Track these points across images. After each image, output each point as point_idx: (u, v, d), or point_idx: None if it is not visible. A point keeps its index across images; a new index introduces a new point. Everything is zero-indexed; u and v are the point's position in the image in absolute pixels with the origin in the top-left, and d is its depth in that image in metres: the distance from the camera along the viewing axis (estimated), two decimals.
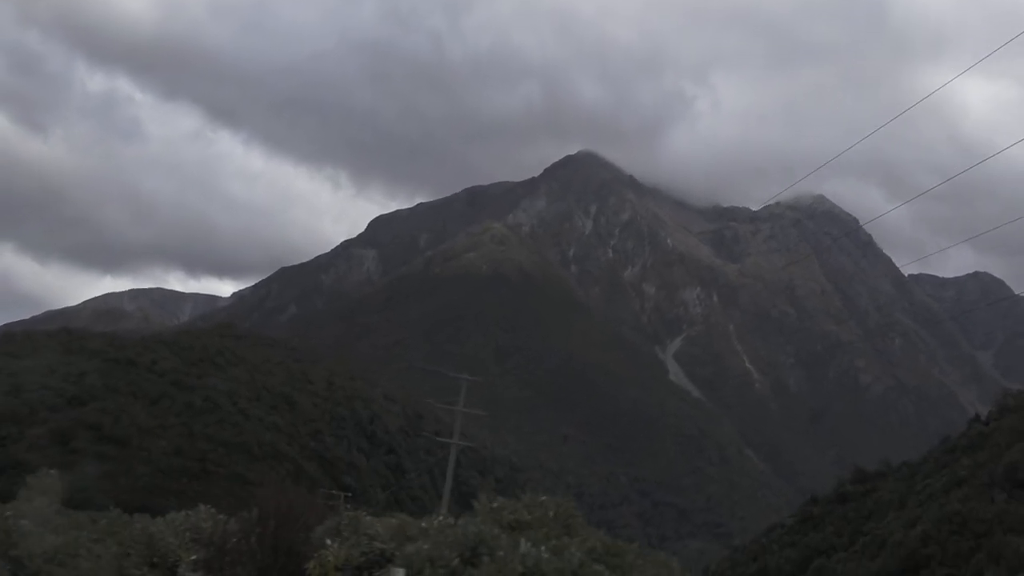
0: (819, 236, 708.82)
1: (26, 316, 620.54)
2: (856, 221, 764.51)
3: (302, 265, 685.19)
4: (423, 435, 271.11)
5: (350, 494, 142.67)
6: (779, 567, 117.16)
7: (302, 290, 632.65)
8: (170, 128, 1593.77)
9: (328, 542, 31.15)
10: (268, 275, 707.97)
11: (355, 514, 33.11)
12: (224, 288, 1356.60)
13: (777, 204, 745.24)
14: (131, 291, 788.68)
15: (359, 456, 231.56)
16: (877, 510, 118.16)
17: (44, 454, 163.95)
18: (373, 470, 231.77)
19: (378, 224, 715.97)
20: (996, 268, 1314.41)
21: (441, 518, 29.56)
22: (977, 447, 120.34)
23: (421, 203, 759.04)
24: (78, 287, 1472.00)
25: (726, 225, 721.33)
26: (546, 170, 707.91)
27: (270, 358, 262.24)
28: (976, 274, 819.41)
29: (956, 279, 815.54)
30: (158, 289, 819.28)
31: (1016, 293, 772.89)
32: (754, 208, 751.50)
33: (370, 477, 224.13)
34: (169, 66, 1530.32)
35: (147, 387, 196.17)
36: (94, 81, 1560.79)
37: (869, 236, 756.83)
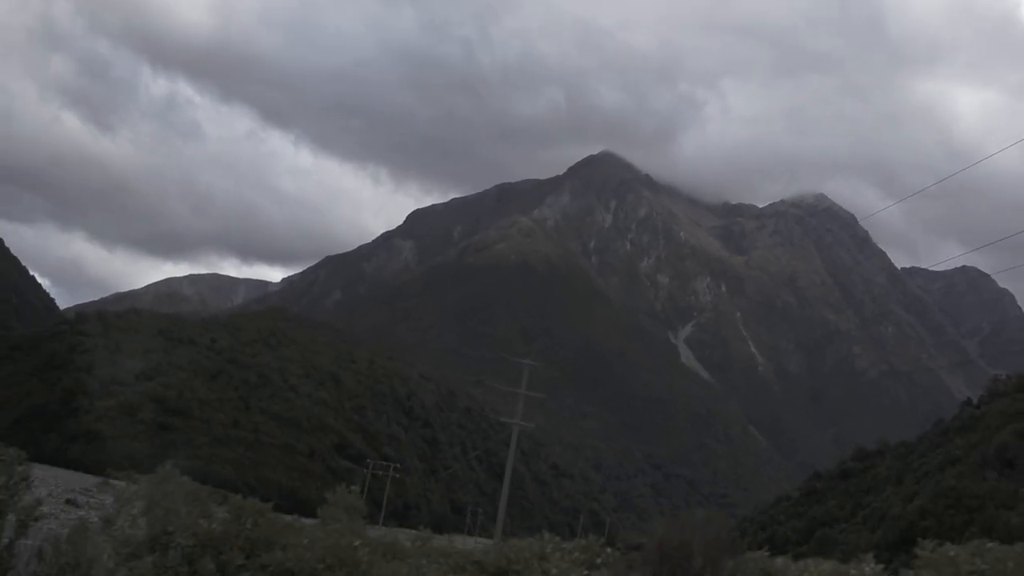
0: (820, 232, 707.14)
1: (95, 298, 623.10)
2: (854, 218, 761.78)
3: (346, 254, 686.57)
4: (490, 416, 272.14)
5: (398, 465, 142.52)
6: (786, 536, 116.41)
7: (346, 277, 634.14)
8: (226, 128, 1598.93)
9: None
10: (315, 263, 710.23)
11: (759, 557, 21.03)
12: (274, 274, 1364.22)
13: (782, 202, 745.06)
14: (189, 276, 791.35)
15: (398, 429, 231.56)
16: (876, 485, 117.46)
17: (113, 425, 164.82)
18: (411, 442, 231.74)
19: (415, 217, 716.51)
20: (982, 263, 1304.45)
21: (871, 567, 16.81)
22: (969, 428, 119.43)
23: (455, 198, 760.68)
24: (141, 272, 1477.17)
25: (734, 221, 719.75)
26: (569, 169, 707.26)
27: (317, 339, 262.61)
28: (964, 268, 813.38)
29: (945, 272, 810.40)
30: (214, 275, 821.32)
31: (1001, 285, 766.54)
32: (760, 205, 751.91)
33: (408, 448, 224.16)
34: (225, 71, 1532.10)
35: (206, 364, 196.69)
36: (157, 85, 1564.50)
37: (866, 232, 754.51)
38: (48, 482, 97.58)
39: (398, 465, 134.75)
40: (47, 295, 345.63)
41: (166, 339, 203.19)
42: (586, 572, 9.32)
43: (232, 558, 8.59)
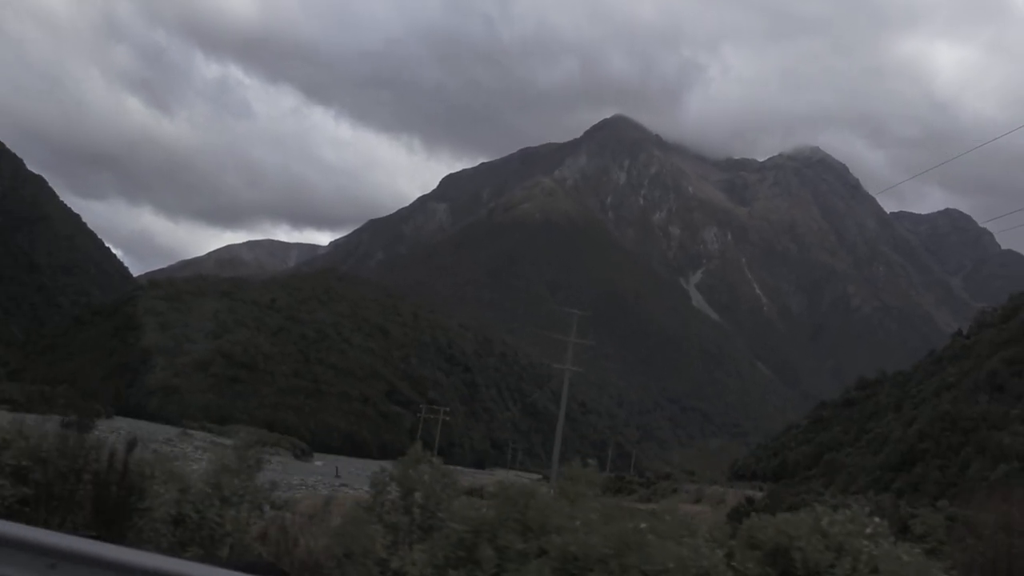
0: (815, 182, 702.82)
1: (163, 265, 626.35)
2: (845, 168, 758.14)
3: (386, 217, 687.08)
4: (544, 364, 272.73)
5: (448, 409, 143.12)
6: (796, 461, 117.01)
7: (387, 238, 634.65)
8: (273, 107, 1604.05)
9: None
10: (358, 226, 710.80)
11: None
12: (322, 238, 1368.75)
13: (780, 155, 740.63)
14: (247, 242, 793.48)
15: (440, 375, 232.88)
16: (877, 412, 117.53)
17: (187, 379, 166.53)
18: (452, 386, 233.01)
19: (448, 182, 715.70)
20: (964, 205, 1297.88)
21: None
22: (960, 357, 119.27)
23: (483, 163, 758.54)
24: (203, 240, 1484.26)
25: (737, 175, 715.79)
26: (586, 132, 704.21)
27: (365, 296, 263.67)
28: (947, 210, 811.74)
29: (930, 215, 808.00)
30: (269, 240, 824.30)
31: (981, 225, 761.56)
32: (760, 159, 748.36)
33: (450, 392, 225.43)
34: (270, 55, 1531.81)
35: (268, 321, 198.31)
36: (210, 69, 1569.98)
37: (857, 180, 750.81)
38: (133, 432, 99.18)
39: (447, 409, 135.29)
40: (121, 264, 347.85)
41: (231, 300, 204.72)
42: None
43: (511, 542, 8.17)
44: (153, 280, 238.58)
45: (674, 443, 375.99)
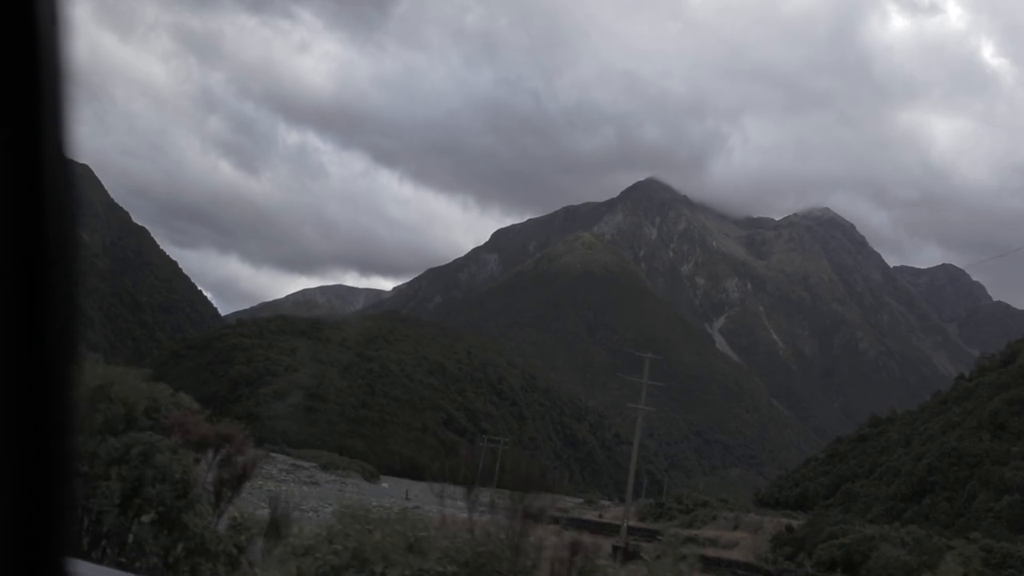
0: (826, 238, 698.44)
1: (247, 307, 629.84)
2: (853, 227, 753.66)
3: (444, 266, 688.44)
4: (563, 396, 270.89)
5: (507, 439, 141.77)
6: (815, 491, 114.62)
7: (444, 284, 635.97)
8: (346, 169, 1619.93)
9: None
10: (419, 274, 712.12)
11: None
12: (386, 284, 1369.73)
13: (794, 215, 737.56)
14: (320, 287, 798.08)
15: (491, 407, 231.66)
16: (888, 447, 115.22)
17: (269, 407, 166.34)
18: (502, 417, 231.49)
19: (498, 235, 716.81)
20: (959, 260, 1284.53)
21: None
22: (964, 398, 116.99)
23: (530, 219, 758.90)
24: (282, 285, 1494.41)
25: (756, 231, 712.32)
26: (622, 192, 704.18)
27: (424, 335, 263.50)
28: (944, 265, 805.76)
29: (929, 269, 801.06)
30: (339, 285, 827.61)
31: (974, 279, 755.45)
32: (776, 218, 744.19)
33: (500, 422, 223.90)
34: (344, 124, 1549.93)
35: (340, 357, 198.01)
36: (291, 136, 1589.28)
37: (863, 237, 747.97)
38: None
39: (507, 440, 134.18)
40: (211, 305, 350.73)
41: (307, 339, 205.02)
42: None
43: None
44: (241, 320, 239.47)
45: (698, 472, 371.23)
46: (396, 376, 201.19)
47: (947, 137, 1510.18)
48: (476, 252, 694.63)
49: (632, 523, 78.76)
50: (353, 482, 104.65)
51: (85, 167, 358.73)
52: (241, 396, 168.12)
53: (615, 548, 47.22)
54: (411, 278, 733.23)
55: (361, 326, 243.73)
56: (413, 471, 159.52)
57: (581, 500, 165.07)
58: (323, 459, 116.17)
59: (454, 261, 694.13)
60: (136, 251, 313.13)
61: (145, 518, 10.30)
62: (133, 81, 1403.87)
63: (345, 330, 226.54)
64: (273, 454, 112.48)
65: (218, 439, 20.47)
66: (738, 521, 70.96)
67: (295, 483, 75.25)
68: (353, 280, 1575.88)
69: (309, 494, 67.93)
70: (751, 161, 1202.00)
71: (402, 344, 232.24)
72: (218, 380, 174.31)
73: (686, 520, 78.47)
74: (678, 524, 75.13)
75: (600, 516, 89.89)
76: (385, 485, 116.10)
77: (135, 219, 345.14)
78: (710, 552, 48.62)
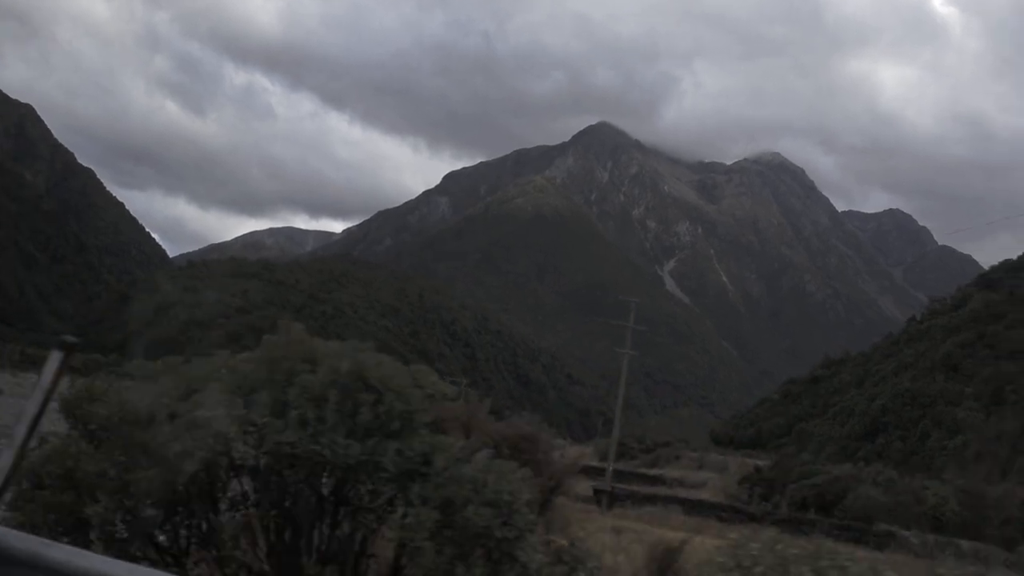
0: (776, 183, 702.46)
1: (195, 248, 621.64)
2: (802, 171, 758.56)
3: (394, 208, 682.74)
4: (516, 337, 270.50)
5: (468, 381, 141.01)
6: (770, 430, 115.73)
7: (395, 227, 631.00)
8: (293, 110, 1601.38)
9: None
10: (369, 216, 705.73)
11: None
12: (336, 226, 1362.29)
13: (744, 160, 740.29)
14: (269, 229, 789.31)
15: (445, 349, 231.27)
16: (842, 388, 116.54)
17: (220, 348, 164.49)
18: (455, 359, 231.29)
19: (449, 178, 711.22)
20: (906, 205, 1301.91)
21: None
22: (916, 340, 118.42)
23: (481, 162, 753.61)
24: (230, 227, 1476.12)
25: (707, 176, 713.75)
26: (573, 137, 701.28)
27: (376, 278, 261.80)
28: (891, 210, 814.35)
29: (876, 214, 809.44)
30: (288, 227, 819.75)
31: (920, 224, 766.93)
32: (727, 163, 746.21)
33: (453, 364, 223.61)
34: (292, 64, 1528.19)
35: (293, 300, 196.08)
36: (238, 77, 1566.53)
37: (812, 182, 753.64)
38: None
39: (467, 381, 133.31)
40: (159, 247, 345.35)
41: (259, 281, 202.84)
42: None
43: None
44: (192, 262, 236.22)
45: (649, 412, 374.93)
46: (350, 318, 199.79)
47: (895, 85, 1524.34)
48: (427, 195, 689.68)
49: (594, 463, 78.77)
50: None
51: (28, 107, 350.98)
52: (193, 339, 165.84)
53: (598, 492, 46.47)
54: (361, 220, 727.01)
55: (312, 268, 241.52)
56: None
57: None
58: None
59: (405, 204, 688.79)
60: (81, 192, 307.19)
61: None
62: (77, 19, 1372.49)
63: (297, 272, 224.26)
64: None
65: (518, 440, 16.95)
66: (702, 461, 71.03)
67: None
68: (302, 222, 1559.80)
69: None
70: (703, 106, 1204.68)
71: (354, 287, 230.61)
72: (169, 322, 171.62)
73: (648, 460, 78.47)
74: (640, 464, 75.16)
75: (561, 456, 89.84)
76: None
77: (80, 160, 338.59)
78: (680, 493, 48.40)
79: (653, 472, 67.82)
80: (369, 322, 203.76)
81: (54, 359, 3.25)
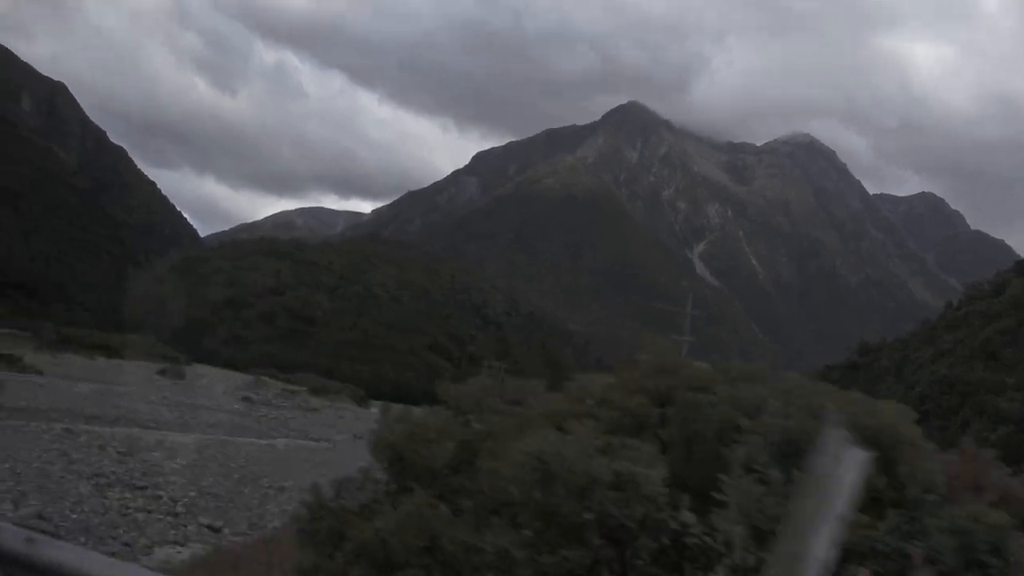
0: (807, 165, 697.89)
1: (225, 228, 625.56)
2: (834, 153, 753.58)
3: (423, 189, 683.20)
4: (546, 319, 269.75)
5: (505, 365, 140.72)
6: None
7: (424, 208, 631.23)
8: (324, 88, 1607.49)
9: None
10: (398, 196, 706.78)
11: None
12: (365, 207, 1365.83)
13: (775, 140, 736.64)
14: (299, 209, 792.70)
15: (476, 331, 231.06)
16: (879, 375, 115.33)
17: (254, 329, 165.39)
18: (486, 341, 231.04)
19: (478, 158, 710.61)
20: (938, 188, 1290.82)
21: None
22: (953, 327, 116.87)
23: (510, 142, 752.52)
24: (260, 206, 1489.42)
25: (737, 157, 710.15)
26: (603, 116, 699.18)
27: (407, 259, 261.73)
28: (923, 193, 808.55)
29: (908, 197, 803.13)
30: (318, 207, 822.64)
31: (953, 207, 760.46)
32: (758, 144, 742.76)
33: (484, 346, 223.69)
34: (321, 43, 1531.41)
35: (325, 280, 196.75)
36: (268, 55, 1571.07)
37: (844, 165, 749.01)
38: (218, 379, 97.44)
39: (505, 365, 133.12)
40: (191, 226, 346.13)
41: (292, 261, 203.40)
42: None
43: None
44: (225, 242, 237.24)
45: None
46: (382, 299, 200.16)
47: (928, 64, 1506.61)
48: (456, 175, 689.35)
49: None
50: (348, 408, 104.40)
51: (60, 84, 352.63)
52: (225, 319, 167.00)
53: None
54: (390, 200, 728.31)
55: (344, 248, 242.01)
56: (401, 395, 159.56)
57: None
58: (313, 383, 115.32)
59: (433, 184, 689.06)
60: (113, 170, 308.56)
61: None
62: None
63: (329, 253, 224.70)
64: (263, 378, 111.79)
65: None
66: None
67: (296, 410, 74.36)
68: (332, 202, 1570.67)
69: (316, 422, 67.06)
70: (734, 85, 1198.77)
71: (386, 267, 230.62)
72: (202, 303, 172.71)
73: None
74: None
75: None
76: (374, 410, 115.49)
77: (112, 138, 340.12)
78: None
79: None
80: (402, 303, 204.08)
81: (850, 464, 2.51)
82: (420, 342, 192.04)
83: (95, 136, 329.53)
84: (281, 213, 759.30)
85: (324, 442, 49.41)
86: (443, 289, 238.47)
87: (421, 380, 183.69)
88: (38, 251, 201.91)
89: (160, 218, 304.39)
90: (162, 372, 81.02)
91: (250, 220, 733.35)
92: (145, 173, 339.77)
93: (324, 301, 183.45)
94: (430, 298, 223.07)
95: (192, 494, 25.33)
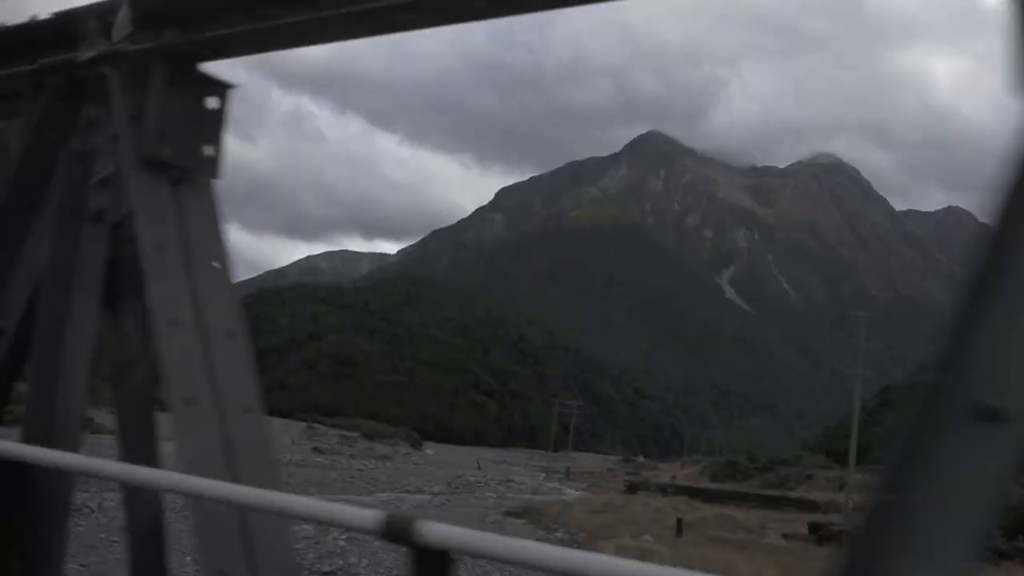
0: (831, 184, 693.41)
1: (251, 276, 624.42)
2: (857, 171, 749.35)
3: (449, 227, 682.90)
4: (583, 352, 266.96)
5: (580, 403, 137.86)
6: (880, 441, 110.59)
7: (450, 246, 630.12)
8: (342, 132, 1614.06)
9: None
10: (423, 236, 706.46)
11: None
12: (390, 247, 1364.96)
13: (799, 162, 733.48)
14: (324, 253, 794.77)
15: (515, 366, 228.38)
16: None
17: (297, 375, 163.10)
18: (526, 377, 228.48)
19: (502, 194, 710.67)
20: (965, 203, 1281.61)
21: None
22: None
23: (533, 176, 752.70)
24: (284, 252, 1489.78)
25: (761, 180, 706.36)
26: (624, 146, 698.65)
27: (442, 297, 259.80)
28: (950, 208, 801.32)
29: (935, 212, 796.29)
30: (343, 251, 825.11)
31: (982, 220, 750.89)
32: (781, 166, 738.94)
33: (524, 381, 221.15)
34: (338, 87, 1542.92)
35: (363, 322, 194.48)
36: (285, 102, 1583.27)
37: (868, 182, 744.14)
38: (274, 429, 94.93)
39: (580, 403, 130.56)
40: None
41: (327, 305, 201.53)
42: None
43: None
44: (263, 288, 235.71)
45: (716, 423, 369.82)
46: (421, 339, 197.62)
47: (947, 77, 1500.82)
48: (481, 211, 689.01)
49: (706, 484, 74.95)
50: (407, 451, 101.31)
51: None
52: (270, 366, 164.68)
53: (817, 527, 38.46)
54: (415, 240, 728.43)
55: (380, 289, 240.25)
56: (447, 434, 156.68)
57: (618, 458, 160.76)
58: (365, 427, 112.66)
59: (458, 222, 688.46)
60: None
61: None
62: None
63: (365, 295, 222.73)
64: (314, 425, 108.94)
65: None
66: (843, 481, 64.83)
67: (367, 458, 71.45)
68: (356, 245, 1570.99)
69: (397, 471, 63.86)
70: (751, 107, 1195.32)
71: (422, 306, 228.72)
72: None
73: (772, 480, 73.37)
74: (758, 484, 70.89)
75: (674, 478, 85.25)
76: (430, 452, 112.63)
77: None
78: None
79: (793, 495, 62.90)
80: (441, 342, 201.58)
81: None
82: (463, 380, 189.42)
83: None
84: (307, 258, 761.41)
85: (424, 495, 45.70)
86: (480, 325, 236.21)
87: (468, 419, 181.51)
88: None
89: None
90: None
91: (275, 267, 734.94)
92: None
93: (364, 343, 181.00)
94: (468, 335, 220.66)
95: None
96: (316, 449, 67.79)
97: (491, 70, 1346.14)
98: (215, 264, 3.42)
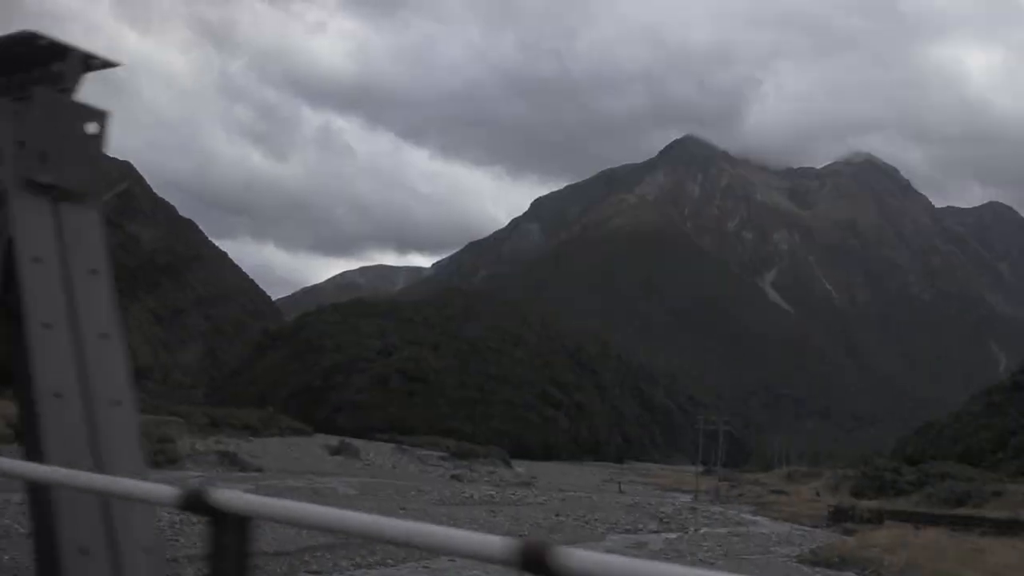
0: (870, 183, 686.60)
1: (287, 294, 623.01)
2: (895, 169, 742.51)
3: (484, 239, 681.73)
4: (632, 360, 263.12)
5: (727, 419, 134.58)
6: (979, 446, 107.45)
7: (487, 258, 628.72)
8: (373, 147, 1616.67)
9: None
10: (458, 249, 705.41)
11: None
12: (424, 261, 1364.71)
13: (836, 162, 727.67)
14: (359, 269, 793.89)
15: (575, 377, 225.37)
16: None
17: (370, 394, 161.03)
18: (586, 388, 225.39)
19: (538, 204, 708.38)
20: (1005, 198, 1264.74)
21: None
22: None
23: (568, 185, 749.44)
24: (318, 268, 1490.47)
25: (799, 181, 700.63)
26: (660, 152, 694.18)
27: (494, 309, 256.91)
28: (991, 203, 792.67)
29: (975, 208, 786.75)
30: (378, 265, 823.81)
31: (1022, 215, 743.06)
32: (818, 167, 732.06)
33: (587, 393, 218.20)
34: (367, 102, 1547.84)
35: (427, 337, 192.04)
36: (315, 119, 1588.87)
37: (907, 181, 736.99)
38: (382, 453, 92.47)
39: (727, 419, 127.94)
40: (265, 294, 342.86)
41: (387, 320, 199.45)
42: None
43: None
44: (322, 307, 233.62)
45: (770, 429, 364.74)
46: (486, 352, 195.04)
47: (982, 70, 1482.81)
48: (516, 222, 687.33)
49: (850, 503, 71.58)
50: (493, 471, 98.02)
51: (126, 163, 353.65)
52: (337, 385, 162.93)
53: None
54: (450, 253, 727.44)
55: (441, 302, 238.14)
56: (522, 450, 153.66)
57: (699, 468, 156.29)
58: (452, 447, 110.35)
59: (494, 233, 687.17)
60: (187, 244, 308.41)
61: None
62: (153, 71, 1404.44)
63: (423, 310, 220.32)
64: (404, 448, 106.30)
65: None
66: None
67: (506, 485, 68.65)
68: (391, 259, 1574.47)
69: (566, 501, 60.30)
70: (785, 108, 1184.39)
71: (479, 319, 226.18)
72: (309, 370, 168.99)
73: (945, 496, 66.98)
74: (923, 502, 66.66)
75: (818, 494, 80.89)
76: (520, 470, 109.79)
77: (181, 212, 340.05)
78: None
79: (993, 515, 56.87)
80: (504, 354, 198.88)
81: None
82: (531, 393, 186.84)
83: (166, 212, 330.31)
84: (342, 274, 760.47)
85: (646, 533, 40.58)
86: (537, 336, 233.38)
87: (540, 433, 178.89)
88: (134, 330, 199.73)
89: (235, 287, 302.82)
90: (336, 452, 75.97)
91: (311, 283, 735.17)
92: (216, 244, 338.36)
93: (431, 359, 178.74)
94: (527, 346, 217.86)
95: None
96: (455, 477, 65.00)
97: (519, 79, 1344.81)
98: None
